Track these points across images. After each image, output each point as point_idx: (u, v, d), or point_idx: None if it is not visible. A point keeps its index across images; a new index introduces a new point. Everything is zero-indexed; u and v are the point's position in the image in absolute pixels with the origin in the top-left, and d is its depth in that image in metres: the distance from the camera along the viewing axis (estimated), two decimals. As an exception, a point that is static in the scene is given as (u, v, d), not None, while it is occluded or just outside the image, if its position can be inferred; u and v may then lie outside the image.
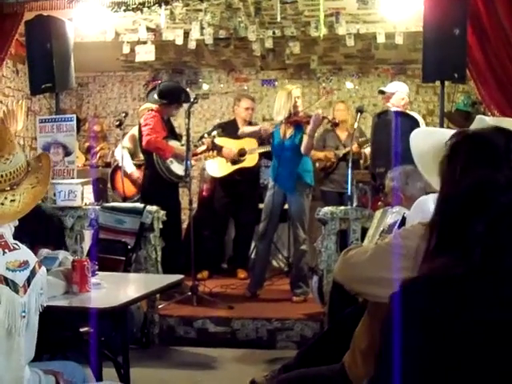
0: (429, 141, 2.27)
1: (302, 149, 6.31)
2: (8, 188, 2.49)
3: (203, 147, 7.04)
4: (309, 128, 6.23)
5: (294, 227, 6.50)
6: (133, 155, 7.46)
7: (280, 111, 6.46)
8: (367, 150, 6.79)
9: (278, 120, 6.53)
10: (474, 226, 1.56)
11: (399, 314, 1.50)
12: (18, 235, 2.56)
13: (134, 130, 7.40)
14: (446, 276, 1.53)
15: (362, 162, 7.07)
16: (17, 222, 2.61)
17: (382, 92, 6.87)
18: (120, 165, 7.33)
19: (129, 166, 7.38)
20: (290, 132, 6.44)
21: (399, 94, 6.61)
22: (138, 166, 7.37)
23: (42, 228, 4.42)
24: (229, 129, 7.36)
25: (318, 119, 6.21)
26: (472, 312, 1.49)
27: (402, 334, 1.49)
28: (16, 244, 2.44)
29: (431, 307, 1.51)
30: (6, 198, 2.47)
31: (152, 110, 6.79)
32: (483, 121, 2.29)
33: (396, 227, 3.12)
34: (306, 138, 6.28)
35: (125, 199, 6.99)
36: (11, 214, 2.47)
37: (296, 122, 6.40)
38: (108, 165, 8.10)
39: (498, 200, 1.57)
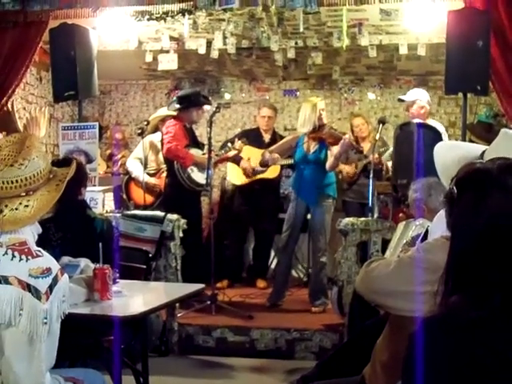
0: (453, 154, 2.26)
1: (327, 167, 6.27)
2: (24, 194, 2.49)
3: (233, 152, 7.03)
4: (336, 151, 6.15)
5: (315, 239, 6.42)
6: (146, 165, 7.41)
7: (305, 124, 6.36)
8: (389, 162, 6.75)
9: (302, 132, 6.45)
10: (494, 272, 1.54)
11: (421, 351, 1.50)
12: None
13: (152, 137, 7.39)
14: (466, 318, 1.51)
15: (383, 173, 7.03)
16: (40, 229, 2.62)
17: (401, 100, 6.80)
18: (133, 176, 7.41)
19: (142, 175, 7.36)
20: (314, 146, 6.37)
21: (419, 102, 6.44)
22: (152, 175, 7.37)
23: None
24: (252, 137, 7.35)
25: (346, 144, 6.09)
26: (493, 350, 1.47)
27: (424, 371, 1.48)
28: (39, 251, 2.45)
29: (451, 346, 1.50)
30: (20, 204, 2.47)
31: (173, 118, 6.80)
32: (508, 134, 2.28)
33: (419, 240, 3.10)
34: (331, 159, 6.22)
35: (140, 207, 6.96)
36: (23, 219, 2.47)
37: (320, 139, 6.33)
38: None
39: None
